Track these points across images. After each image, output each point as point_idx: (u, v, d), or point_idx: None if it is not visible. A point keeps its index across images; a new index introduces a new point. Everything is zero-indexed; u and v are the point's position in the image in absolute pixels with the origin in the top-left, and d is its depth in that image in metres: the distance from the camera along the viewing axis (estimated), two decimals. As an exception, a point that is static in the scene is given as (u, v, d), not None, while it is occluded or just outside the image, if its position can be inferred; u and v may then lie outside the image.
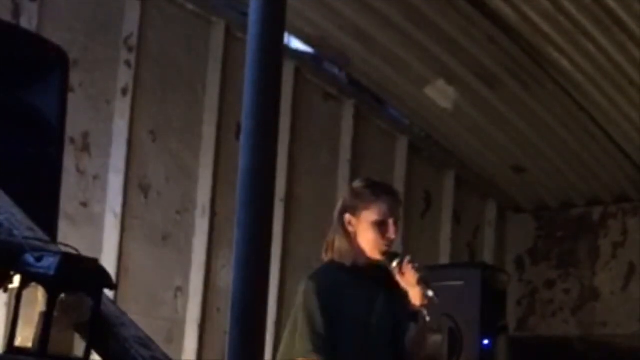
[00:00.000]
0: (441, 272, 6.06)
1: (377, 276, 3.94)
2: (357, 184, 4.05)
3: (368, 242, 3.91)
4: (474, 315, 5.59)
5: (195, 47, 6.47)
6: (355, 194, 3.99)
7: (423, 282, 3.82)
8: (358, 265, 3.93)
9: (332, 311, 3.82)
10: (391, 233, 3.90)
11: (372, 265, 3.93)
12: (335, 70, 7.34)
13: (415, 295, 3.83)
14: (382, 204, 3.93)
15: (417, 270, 3.83)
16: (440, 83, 7.21)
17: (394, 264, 3.87)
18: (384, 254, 3.91)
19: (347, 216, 3.94)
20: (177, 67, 6.37)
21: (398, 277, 3.86)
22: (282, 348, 3.88)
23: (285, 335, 3.88)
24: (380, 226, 3.90)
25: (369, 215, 3.91)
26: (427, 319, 3.88)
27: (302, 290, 3.84)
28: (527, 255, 8.42)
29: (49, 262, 2.22)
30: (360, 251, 3.92)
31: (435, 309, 3.91)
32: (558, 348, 8.16)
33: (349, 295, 3.88)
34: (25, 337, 2.22)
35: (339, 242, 3.94)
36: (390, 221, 3.91)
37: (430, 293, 3.80)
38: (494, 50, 6.84)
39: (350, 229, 3.93)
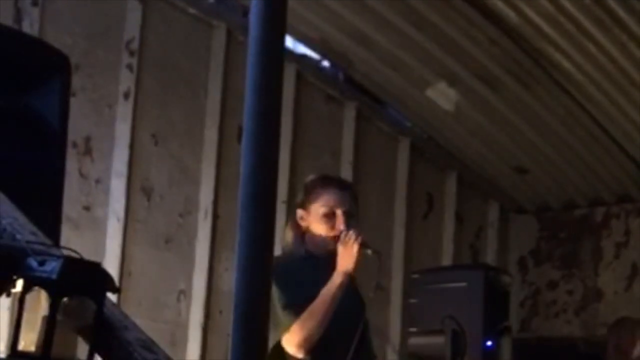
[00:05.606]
0: (444, 273, 6.06)
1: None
2: (308, 178, 4.06)
3: (320, 234, 3.91)
4: (477, 316, 5.57)
5: (197, 51, 6.48)
6: (305, 188, 4.00)
7: (362, 246, 3.81)
8: (304, 256, 3.91)
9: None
10: (339, 224, 3.88)
11: (330, 257, 3.91)
12: (337, 73, 7.34)
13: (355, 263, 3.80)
14: (329, 195, 3.92)
15: (357, 235, 3.81)
16: (442, 85, 7.21)
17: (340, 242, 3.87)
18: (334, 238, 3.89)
19: (299, 211, 3.96)
20: (179, 71, 6.38)
21: (340, 251, 3.83)
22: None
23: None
24: (328, 218, 3.90)
25: (317, 208, 3.92)
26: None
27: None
28: (530, 256, 8.42)
29: (52, 266, 2.22)
30: (313, 244, 3.92)
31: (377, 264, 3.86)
32: (561, 349, 8.15)
33: (309, 280, 3.86)
34: (28, 341, 2.23)
35: (286, 234, 3.97)
36: (339, 212, 3.90)
37: (369, 251, 3.81)
38: (495, 51, 6.84)
39: (302, 223, 3.95)
